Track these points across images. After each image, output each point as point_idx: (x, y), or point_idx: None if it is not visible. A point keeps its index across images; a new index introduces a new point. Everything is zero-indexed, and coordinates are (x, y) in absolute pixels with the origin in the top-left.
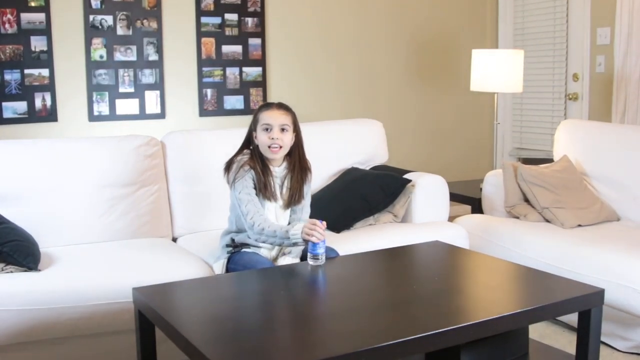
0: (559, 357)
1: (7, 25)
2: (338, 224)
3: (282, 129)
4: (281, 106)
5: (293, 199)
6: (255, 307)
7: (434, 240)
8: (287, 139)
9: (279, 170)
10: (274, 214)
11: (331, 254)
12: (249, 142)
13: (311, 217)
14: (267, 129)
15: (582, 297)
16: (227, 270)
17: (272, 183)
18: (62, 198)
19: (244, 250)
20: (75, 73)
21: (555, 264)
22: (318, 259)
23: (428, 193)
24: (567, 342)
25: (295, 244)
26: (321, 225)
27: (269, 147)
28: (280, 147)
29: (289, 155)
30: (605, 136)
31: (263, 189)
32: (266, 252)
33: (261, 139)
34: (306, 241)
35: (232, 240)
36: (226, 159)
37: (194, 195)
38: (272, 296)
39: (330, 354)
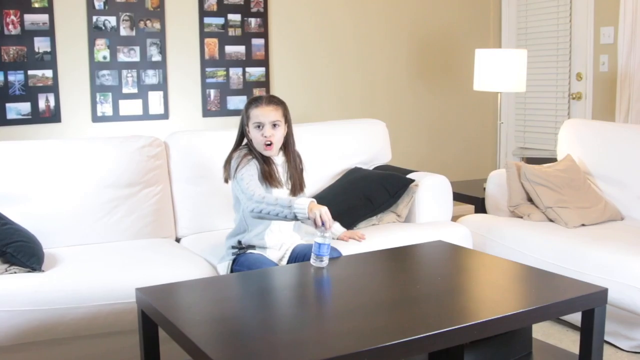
0: (562, 356)
1: (10, 27)
2: (341, 224)
3: (274, 125)
4: (271, 101)
5: (295, 188)
6: (258, 307)
7: (437, 240)
8: (280, 134)
9: (277, 159)
10: None
11: (334, 254)
12: (242, 137)
13: None
14: (258, 127)
15: (585, 297)
16: (232, 271)
17: (275, 170)
18: (66, 199)
19: (249, 252)
20: (79, 74)
21: (558, 263)
22: (322, 260)
23: (431, 193)
24: (571, 342)
25: (295, 218)
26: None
27: (263, 144)
28: (273, 143)
29: (283, 145)
30: (608, 135)
31: (269, 177)
32: (273, 252)
33: (254, 136)
34: (312, 222)
35: (239, 242)
36: None
37: (197, 195)
38: (275, 296)
39: (333, 353)
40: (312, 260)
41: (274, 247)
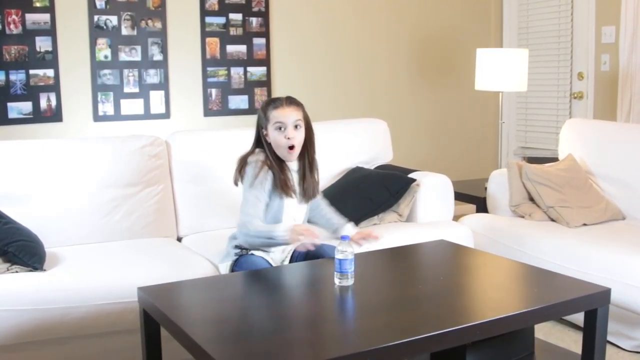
0: (564, 356)
1: (12, 26)
2: None
3: (295, 126)
4: (291, 102)
5: (308, 193)
6: (260, 307)
7: (439, 239)
8: (301, 137)
9: (292, 165)
10: (294, 209)
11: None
12: (259, 140)
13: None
14: (280, 128)
15: (588, 297)
16: (233, 272)
17: (290, 178)
18: (67, 198)
19: (251, 252)
20: (80, 73)
21: (560, 263)
22: (347, 278)
23: (433, 192)
24: (573, 342)
25: (286, 243)
26: (313, 234)
27: (286, 147)
28: (294, 145)
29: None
30: (610, 135)
31: (284, 186)
32: (277, 254)
33: (275, 138)
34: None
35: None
36: (230, 159)
37: (198, 195)
38: (277, 296)
39: (335, 354)
40: (336, 280)
41: (278, 249)
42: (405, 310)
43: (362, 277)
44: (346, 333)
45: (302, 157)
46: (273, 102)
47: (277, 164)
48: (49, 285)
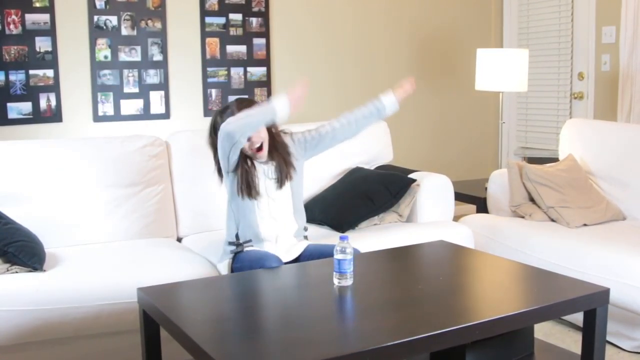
0: (564, 356)
1: (11, 26)
2: (343, 224)
3: None
4: (242, 105)
5: (283, 175)
6: (260, 307)
7: (439, 239)
8: (264, 134)
9: (266, 166)
10: (268, 203)
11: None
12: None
13: (314, 217)
14: None
15: (587, 297)
16: (233, 269)
17: (257, 178)
18: (67, 198)
19: (247, 249)
20: (80, 73)
21: (560, 263)
22: (346, 278)
23: (433, 193)
24: (573, 342)
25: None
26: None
27: (254, 149)
28: (261, 144)
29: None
30: (610, 135)
31: (248, 187)
32: (270, 245)
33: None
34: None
35: (237, 236)
36: None
37: (198, 195)
38: (276, 296)
39: (335, 353)
40: (335, 280)
41: (270, 238)
42: (405, 310)
43: (362, 277)
44: (345, 333)
45: (272, 149)
46: (226, 112)
47: (246, 166)
48: (49, 286)
